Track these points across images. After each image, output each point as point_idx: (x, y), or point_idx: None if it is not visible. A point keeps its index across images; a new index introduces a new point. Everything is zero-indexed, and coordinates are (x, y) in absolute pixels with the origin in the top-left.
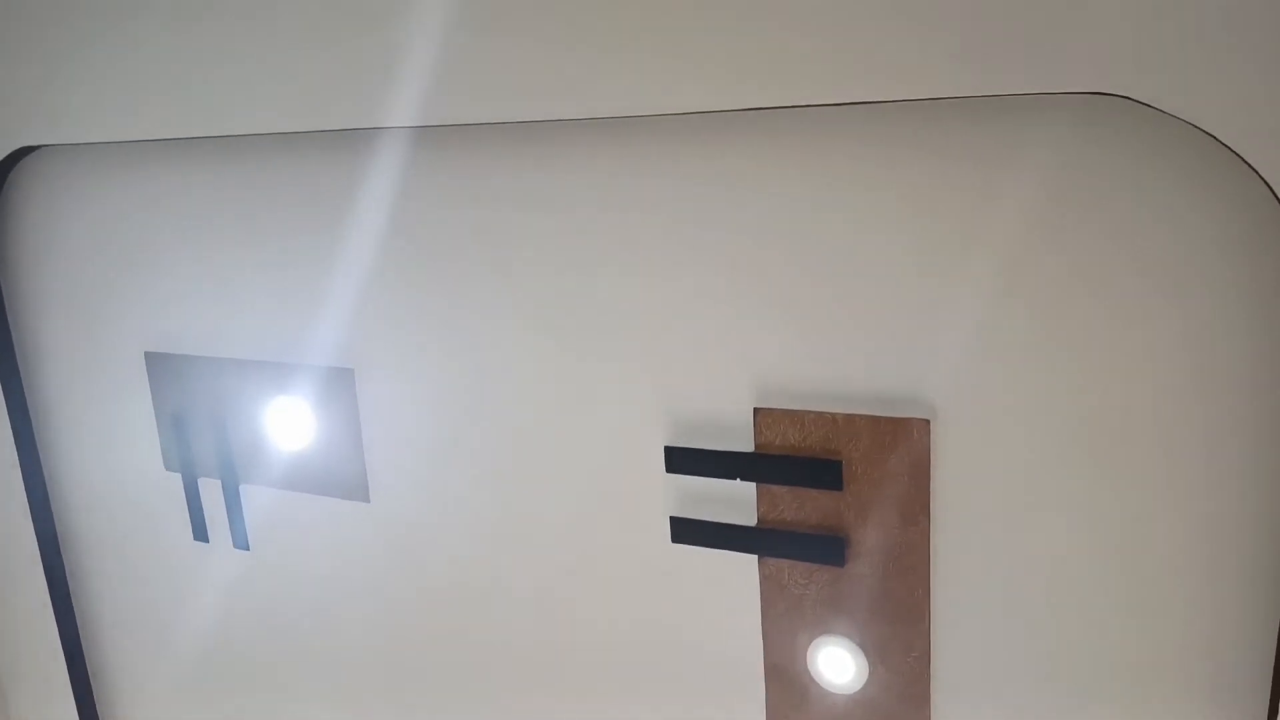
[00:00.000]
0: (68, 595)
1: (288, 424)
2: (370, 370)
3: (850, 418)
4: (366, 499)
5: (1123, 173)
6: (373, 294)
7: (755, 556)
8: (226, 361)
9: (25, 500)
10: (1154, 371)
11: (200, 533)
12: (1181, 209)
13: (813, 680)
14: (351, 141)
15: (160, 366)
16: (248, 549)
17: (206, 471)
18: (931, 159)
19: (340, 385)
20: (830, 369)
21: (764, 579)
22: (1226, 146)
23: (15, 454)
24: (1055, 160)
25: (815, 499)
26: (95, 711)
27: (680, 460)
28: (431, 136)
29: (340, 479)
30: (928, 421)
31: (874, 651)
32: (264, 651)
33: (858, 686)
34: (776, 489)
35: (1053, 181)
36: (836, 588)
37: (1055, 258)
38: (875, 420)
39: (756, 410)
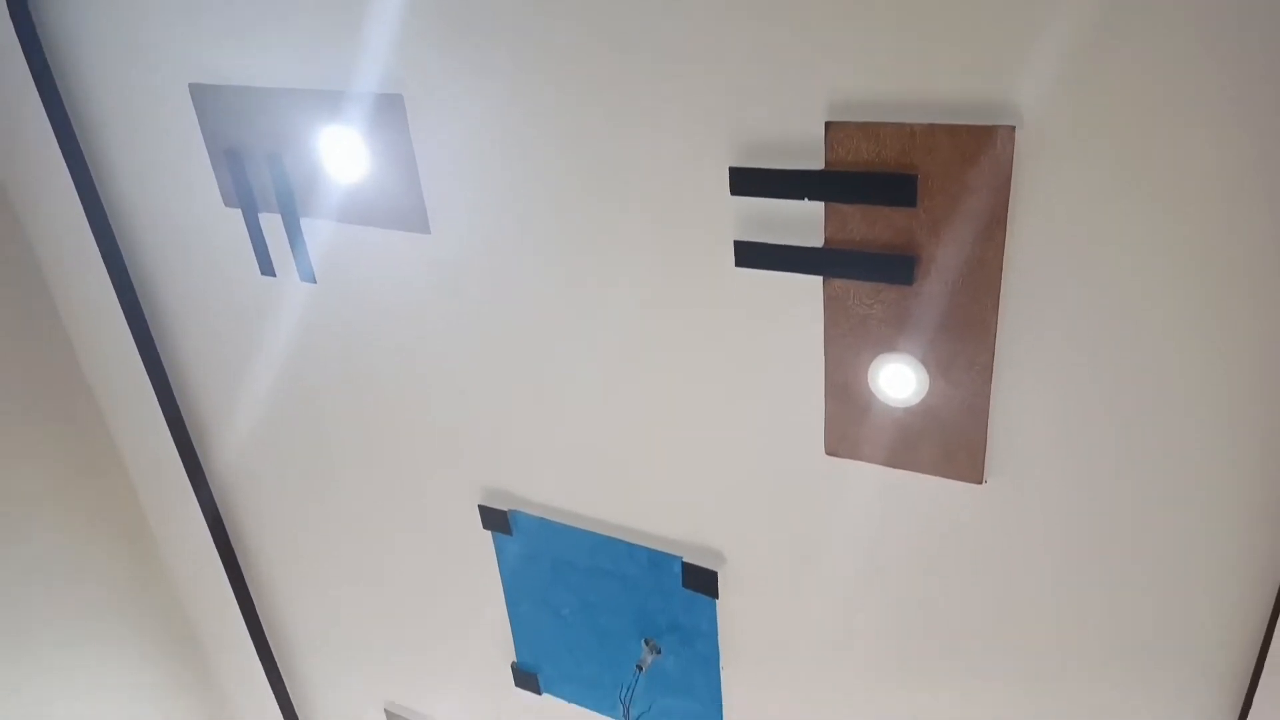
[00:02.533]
0: (149, 337)
1: (341, 155)
2: (420, 96)
3: (930, 128)
4: (427, 230)
5: None
6: (417, 11)
7: (820, 278)
8: (272, 91)
9: (96, 247)
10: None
11: (266, 267)
12: None
13: (873, 396)
14: None
15: (206, 99)
16: (314, 282)
17: (266, 206)
18: None
19: (390, 112)
20: (908, 75)
21: (828, 300)
22: None
23: (80, 205)
24: None
25: (886, 217)
26: (192, 445)
27: (746, 181)
28: None
29: (398, 210)
30: (1013, 128)
31: (936, 366)
32: (335, 380)
33: (917, 400)
34: (846, 208)
35: None
36: (902, 306)
37: None
38: (956, 129)
39: (828, 125)
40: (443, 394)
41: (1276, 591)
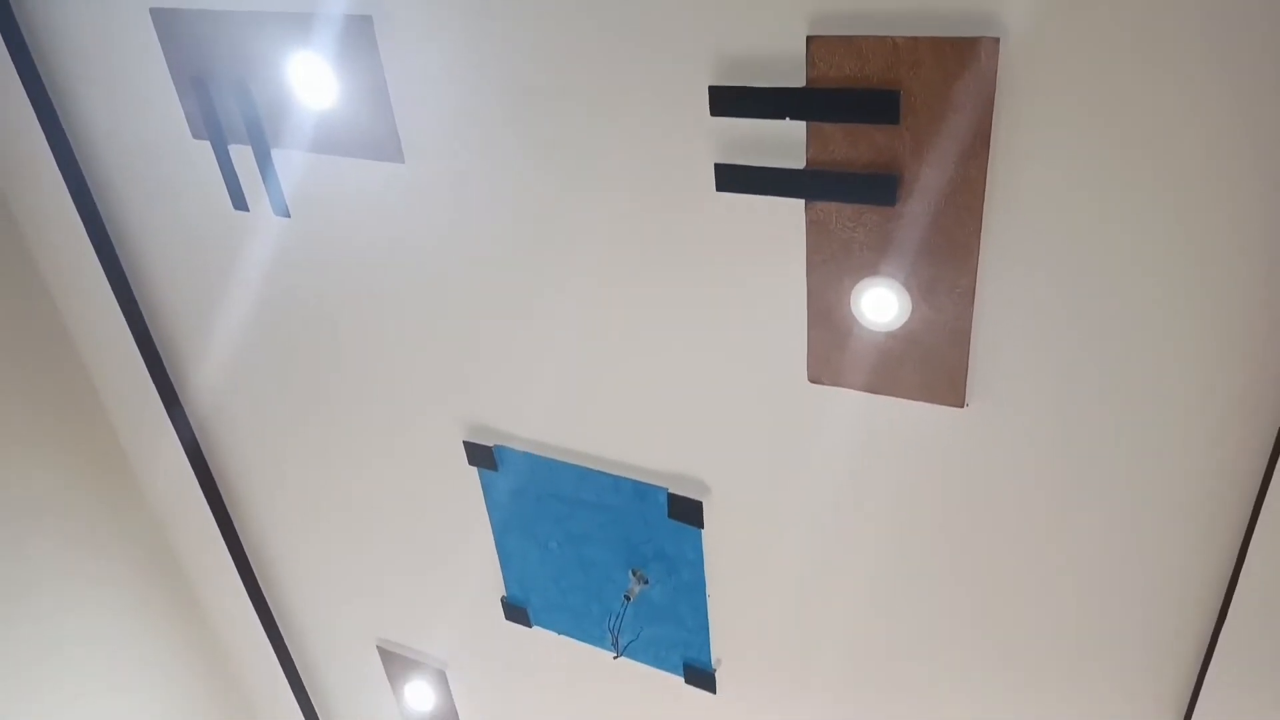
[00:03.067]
0: (124, 276)
1: (310, 81)
2: (390, 17)
3: (913, 41)
4: (400, 159)
5: None
6: None
7: (802, 202)
8: (237, 14)
9: (65, 186)
10: None
11: (239, 202)
12: None
13: (856, 321)
14: None
15: (169, 24)
16: (288, 216)
17: (236, 138)
18: None
19: (359, 35)
20: None
21: (810, 224)
22: None
23: (47, 143)
24: None
25: (869, 136)
26: (172, 386)
27: (726, 101)
28: None
29: (371, 139)
30: (997, 40)
31: (918, 290)
32: (313, 316)
33: (899, 324)
34: (828, 128)
35: None
36: (885, 229)
37: None
38: (939, 42)
39: (810, 39)
40: (422, 328)
41: (1251, 506)
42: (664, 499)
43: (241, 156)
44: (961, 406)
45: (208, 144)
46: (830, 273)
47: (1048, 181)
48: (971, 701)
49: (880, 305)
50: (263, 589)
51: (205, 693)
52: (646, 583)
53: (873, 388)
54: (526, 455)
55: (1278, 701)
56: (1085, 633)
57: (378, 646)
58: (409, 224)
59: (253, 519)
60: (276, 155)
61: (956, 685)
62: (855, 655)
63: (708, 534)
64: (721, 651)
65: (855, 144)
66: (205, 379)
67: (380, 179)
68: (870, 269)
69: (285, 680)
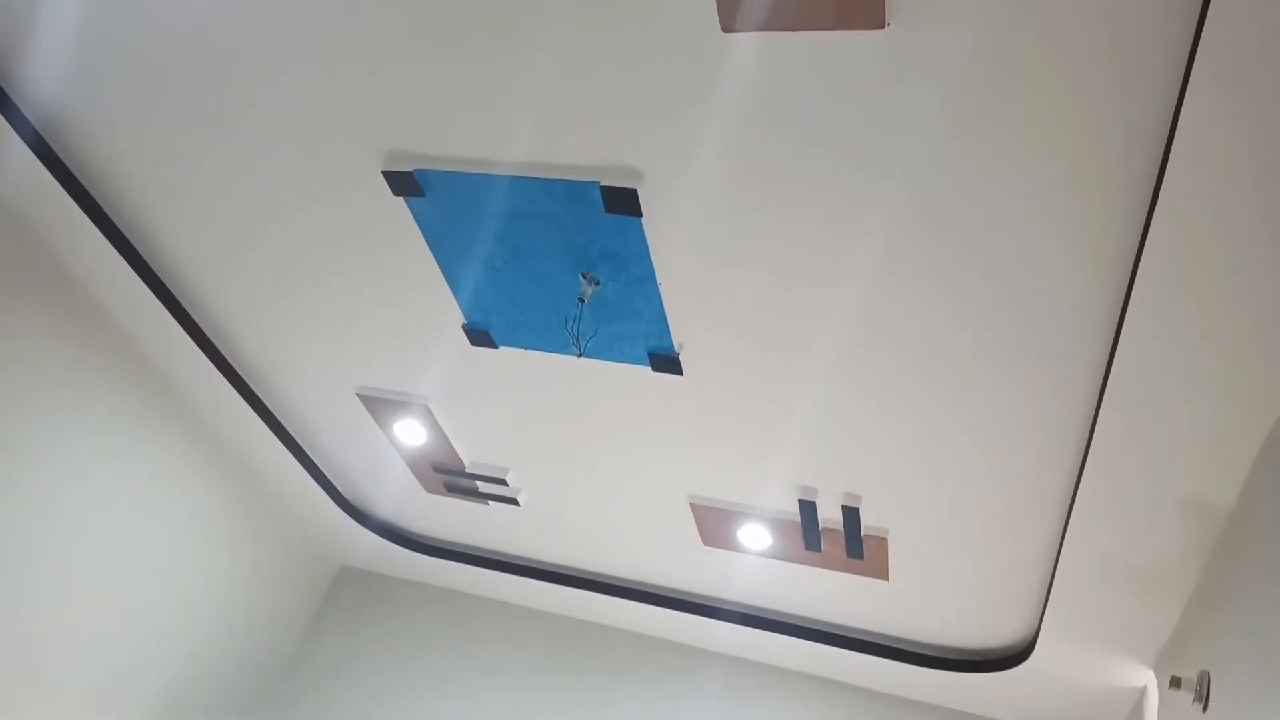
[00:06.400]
0: None
1: None
2: None
3: None
4: None
5: None
6: None
7: None
8: None
9: None
10: None
11: None
12: None
13: None
14: None
15: None
16: None
17: None
18: None
19: None
20: None
21: None
22: None
23: None
24: None
25: None
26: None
27: None
28: None
29: None
30: None
31: None
32: (186, 47)
33: None
34: None
35: None
36: None
37: None
38: None
39: None
40: (302, 43)
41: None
42: (598, 194)
43: None
44: (882, 28)
45: None
46: None
47: None
48: (912, 363)
49: None
50: (225, 357)
51: (204, 463)
52: (598, 283)
53: (790, 24)
54: (450, 174)
55: None
56: (1022, 240)
57: (357, 394)
58: None
59: (198, 292)
60: None
61: (901, 333)
62: (811, 316)
63: (648, 222)
64: (682, 336)
65: None
66: (91, 129)
67: None
68: None
69: (275, 440)
